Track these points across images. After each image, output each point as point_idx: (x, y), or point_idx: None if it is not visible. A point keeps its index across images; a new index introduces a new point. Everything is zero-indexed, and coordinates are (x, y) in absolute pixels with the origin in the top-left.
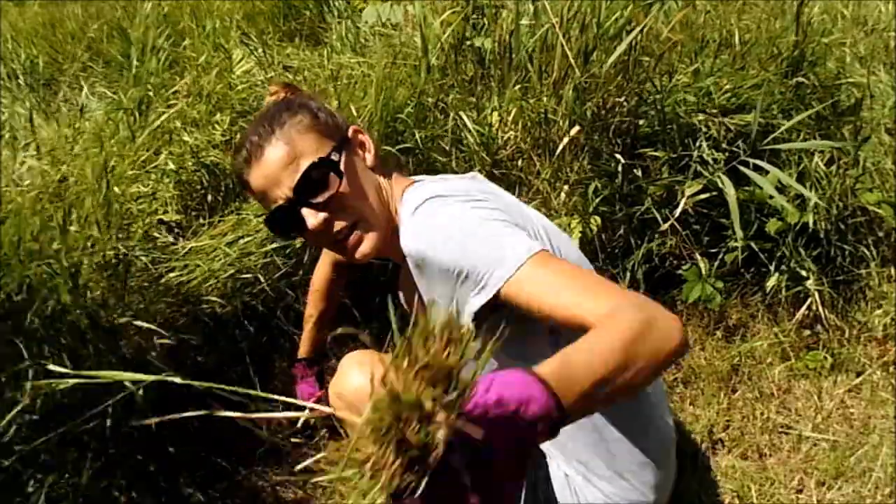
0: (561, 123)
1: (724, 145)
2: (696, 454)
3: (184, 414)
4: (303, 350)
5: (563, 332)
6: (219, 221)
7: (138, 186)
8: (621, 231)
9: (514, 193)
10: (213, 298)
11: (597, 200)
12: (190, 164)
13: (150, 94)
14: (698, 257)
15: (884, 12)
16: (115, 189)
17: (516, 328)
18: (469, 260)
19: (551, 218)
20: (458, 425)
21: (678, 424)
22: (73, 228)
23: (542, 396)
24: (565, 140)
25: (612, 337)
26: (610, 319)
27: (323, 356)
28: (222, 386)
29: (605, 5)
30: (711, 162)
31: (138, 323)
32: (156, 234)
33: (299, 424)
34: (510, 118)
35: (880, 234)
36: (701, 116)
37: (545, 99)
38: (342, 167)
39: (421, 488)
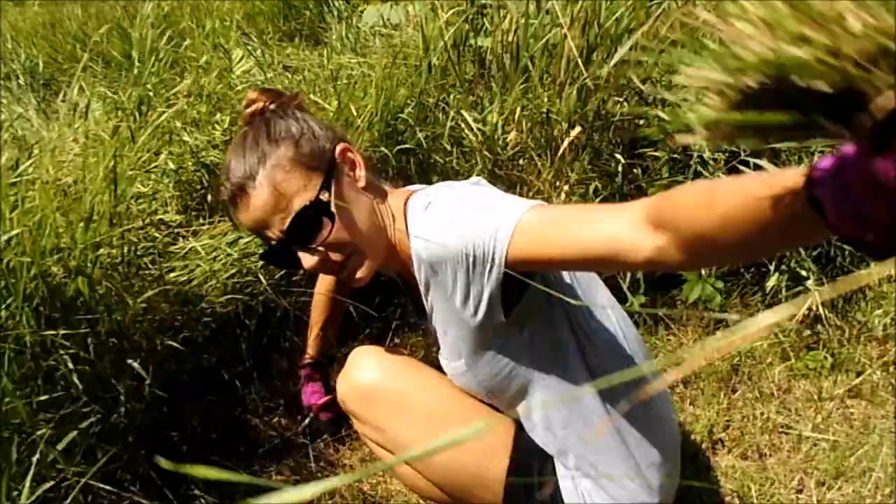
0: (563, 124)
1: (723, 145)
2: (696, 454)
3: None
4: (310, 352)
5: (588, 336)
6: (219, 221)
7: (138, 186)
8: None
9: (514, 193)
10: (214, 298)
11: (597, 200)
12: (190, 163)
13: (151, 94)
14: None
15: None
16: (127, 189)
17: (542, 336)
18: (471, 236)
19: None
20: None
21: (678, 425)
22: (81, 226)
23: None
24: (567, 140)
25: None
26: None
27: (331, 359)
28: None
29: (606, 5)
30: (711, 161)
31: (140, 322)
32: (156, 234)
33: (301, 427)
34: (514, 118)
35: None
36: None
37: (547, 99)
38: (333, 207)
39: None
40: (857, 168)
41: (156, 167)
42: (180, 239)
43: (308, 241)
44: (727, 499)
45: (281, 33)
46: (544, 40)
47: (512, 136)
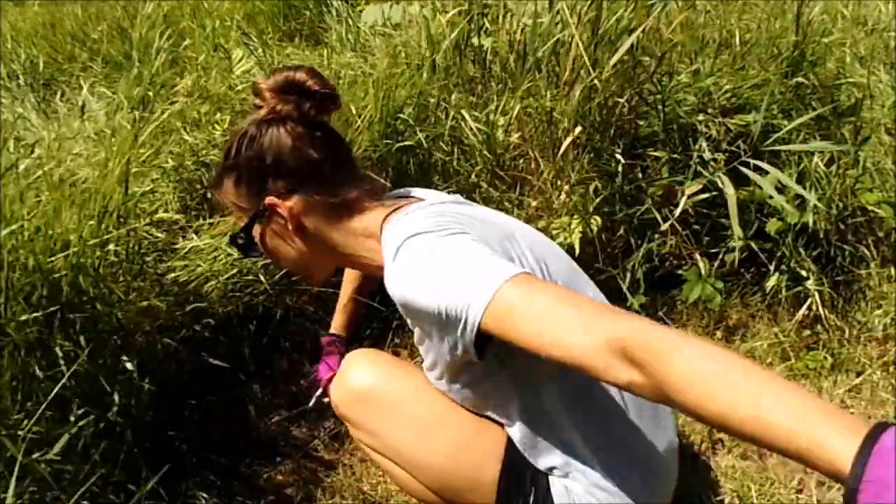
0: (566, 124)
1: (724, 145)
2: (696, 454)
3: None
4: (337, 326)
5: (566, 379)
6: (219, 221)
7: (139, 185)
8: (621, 231)
9: (514, 192)
10: (215, 298)
11: (597, 200)
12: (190, 163)
13: (150, 94)
14: (698, 257)
15: (884, 12)
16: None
17: (521, 369)
18: (446, 298)
19: (552, 218)
20: None
21: (678, 425)
22: (91, 223)
23: None
24: (568, 140)
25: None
26: (686, 348)
27: (355, 336)
28: None
29: (607, 6)
30: (711, 162)
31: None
32: (158, 234)
33: (311, 404)
34: (517, 118)
35: (880, 234)
36: (701, 117)
37: (551, 99)
38: (257, 239)
39: None
40: None
41: (156, 166)
42: (180, 238)
43: (248, 254)
44: (727, 499)
45: (281, 33)
46: (554, 40)
47: (514, 136)
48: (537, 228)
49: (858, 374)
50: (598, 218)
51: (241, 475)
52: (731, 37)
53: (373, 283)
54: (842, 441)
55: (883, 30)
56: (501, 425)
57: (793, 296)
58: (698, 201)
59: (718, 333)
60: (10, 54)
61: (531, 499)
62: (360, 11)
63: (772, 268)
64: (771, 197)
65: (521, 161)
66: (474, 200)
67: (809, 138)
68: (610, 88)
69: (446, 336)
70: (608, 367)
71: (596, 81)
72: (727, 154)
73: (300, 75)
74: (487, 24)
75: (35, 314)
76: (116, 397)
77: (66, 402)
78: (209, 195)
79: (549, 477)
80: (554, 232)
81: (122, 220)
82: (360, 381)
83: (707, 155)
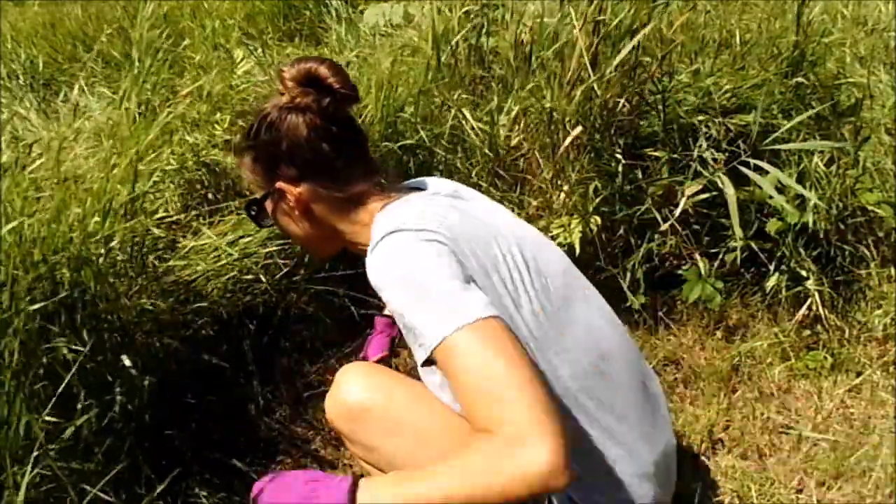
0: (567, 124)
1: (724, 145)
2: (696, 454)
3: None
4: None
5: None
6: (219, 221)
7: (141, 185)
8: (621, 231)
9: (514, 192)
10: (215, 297)
11: (597, 200)
12: (191, 162)
13: (150, 94)
14: (698, 257)
15: (884, 12)
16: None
17: None
18: (411, 315)
19: (552, 217)
20: None
21: (678, 425)
22: (96, 219)
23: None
24: (567, 140)
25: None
26: (471, 453)
27: None
28: None
29: (611, 7)
30: (711, 162)
31: (140, 321)
32: (159, 234)
33: None
34: (521, 118)
35: (880, 234)
36: (701, 116)
37: (552, 99)
38: (269, 211)
39: None
40: None
41: (157, 167)
42: (181, 238)
43: (256, 223)
44: (727, 499)
45: (281, 33)
46: (561, 41)
47: (515, 136)
48: (538, 228)
49: (858, 374)
50: (597, 218)
51: (241, 474)
52: (731, 37)
53: None
54: None
55: (883, 30)
56: None
57: (793, 296)
58: (698, 201)
59: (718, 333)
60: (10, 54)
61: None
62: (362, 11)
63: (772, 268)
64: (771, 197)
65: (521, 161)
66: None
67: (809, 138)
68: (611, 89)
69: (407, 335)
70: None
71: (595, 85)
72: (727, 154)
73: (322, 70)
74: (492, 25)
75: (39, 304)
76: (118, 393)
77: (69, 398)
78: (210, 195)
79: None
80: (554, 232)
81: (127, 217)
82: (354, 396)
83: (707, 155)
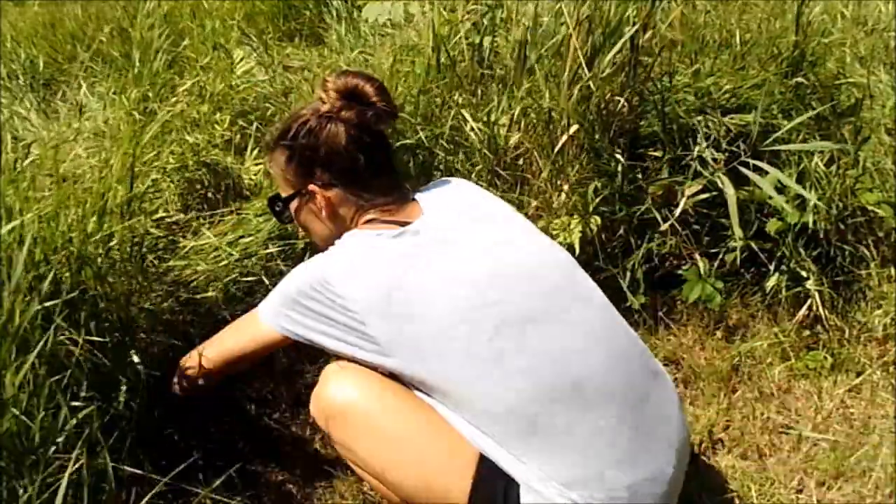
0: (565, 123)
1: (724, 146)
2: (696, 454)
3: None
4: None
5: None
6: (219, 221)
7: (140, 184)
8: (621, 231)
9: (514, 192)
10: (216, 297)
11: (597, 200)
12: (191, 162)
13: (150, 94)
14: (698, 257)
15: (884, 12)
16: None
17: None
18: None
19: (551, 217)
20: None
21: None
22: (94, 219)
23: None
24: (564, 138)
25: None
26: None
27: None
28: None
29: (608, 6)
30: (711, 162)
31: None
32: (159, 233)
33: None
34: (520, 118)
35: (880, 234)
36: (701, 116)
37: (550, 98)
38: (292, 211)
39: None
40: None
41: (157, 167)
42: (181, 238)
43: (278, 219)
44: (727, 499)
45: (281, 33)
46: (554, 40)
47: (515, 136)
48: (538, 228)
49: (858, 374)
50: (597, 218)
51: (241, 474)
52: (731, 37)
53: None
54: None
55: (883, 30)
56: None
57: (793, 296)
58: (698, 201)
59: (718, 333)
60: (10, 54)
61: None
62: (359, 7)
63: (772, 268)
64: (771, 197)
65: (521, 161)
66: None
67: (809, 138)
68: (608, 87)
69: None
70: None
71: (591, 83)
72: (727, 154)
73: (368, 88)
74: (486, 24)
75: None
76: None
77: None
78: (210, 195)
79: (521, 490)
80: (554, 232)
81: (125, 216)
82: (335, 396)
83: (707, 155)
